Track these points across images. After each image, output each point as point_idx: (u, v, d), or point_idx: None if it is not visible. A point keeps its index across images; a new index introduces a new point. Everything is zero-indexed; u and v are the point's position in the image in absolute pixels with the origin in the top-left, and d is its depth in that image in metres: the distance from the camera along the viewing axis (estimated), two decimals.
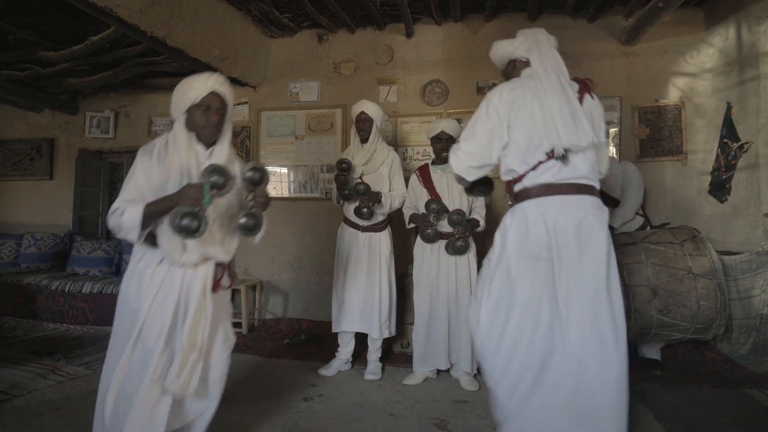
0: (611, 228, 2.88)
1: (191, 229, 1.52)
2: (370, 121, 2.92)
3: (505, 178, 1.83)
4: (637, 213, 3.13)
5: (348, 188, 2.87)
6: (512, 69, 1.93)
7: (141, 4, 2.76)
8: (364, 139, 2.96)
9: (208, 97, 1.71)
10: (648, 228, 3.06)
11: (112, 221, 1.62)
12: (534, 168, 1.70)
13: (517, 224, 1.72)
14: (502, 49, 1.93)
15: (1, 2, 3.02)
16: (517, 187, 1.77)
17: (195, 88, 1.71)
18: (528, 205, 1.71)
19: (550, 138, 1.66)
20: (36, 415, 2.21)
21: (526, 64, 1.84)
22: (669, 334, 2.37)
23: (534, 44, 1.82)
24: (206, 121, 1.71)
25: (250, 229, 1.73)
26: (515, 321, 1.64)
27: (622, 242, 2.45)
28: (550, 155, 1.66)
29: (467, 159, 1.80)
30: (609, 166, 1.90)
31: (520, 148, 1.72)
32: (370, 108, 2.92)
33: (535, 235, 1.67)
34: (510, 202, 1.83)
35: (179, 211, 1.52)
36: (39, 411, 2.26)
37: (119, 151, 4.92)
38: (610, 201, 3.02)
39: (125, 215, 1.59)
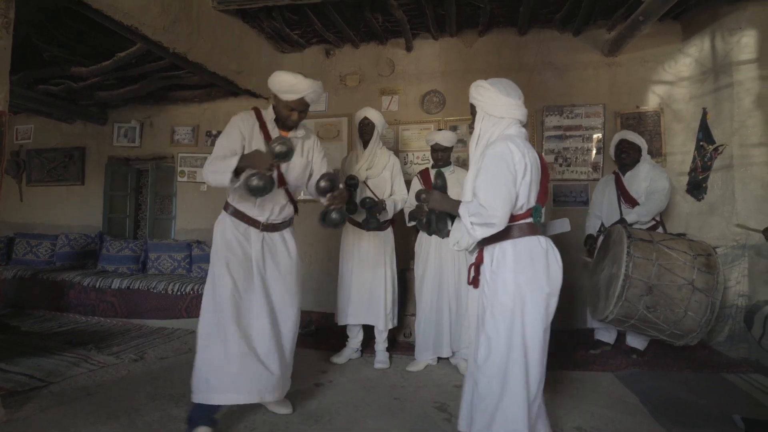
0: (623, 220, 2.82)
1: (258, 188, 1.76)
2: (372, 126, 2.89)
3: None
4: (654, 218, 2.89)
5: (351, 204, 2.83)
6: None
7: (164, 22, 2.77)
8: (365, 143, 2.93)
9: (297, 101, 1.95)
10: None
11: (206, 171, 1.87)
12: None
13: None
14: None
15: (38, 20, 3.02)
16: None
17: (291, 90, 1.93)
18: None
19: None
20: (71, 400, 2.22)
21: None
22: (645, 329, 2.32)
23: None
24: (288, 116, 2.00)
25: (337, 223, 2.08)
26: None
27: (639, 237, 2.31)
28: None
29: None
30: None
31: None
32: (372, 114, 2.89)
33: None
34: None
35: (249, 174, 1.78)
36: (74, 396, 2.27)
37: (144, 158, 4.93)
38: (629, 200, 2.92)
39: (217, 164, 1.83)
